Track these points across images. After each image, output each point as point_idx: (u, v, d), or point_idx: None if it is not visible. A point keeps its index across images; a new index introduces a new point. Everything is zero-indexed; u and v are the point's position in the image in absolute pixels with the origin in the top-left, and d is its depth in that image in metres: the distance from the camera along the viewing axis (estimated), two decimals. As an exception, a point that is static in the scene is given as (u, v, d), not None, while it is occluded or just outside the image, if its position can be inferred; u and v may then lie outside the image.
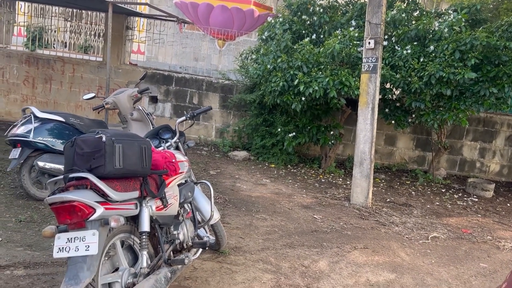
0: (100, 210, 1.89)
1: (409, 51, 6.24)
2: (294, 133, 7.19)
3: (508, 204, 6.70)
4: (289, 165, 7.52)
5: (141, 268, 2.23)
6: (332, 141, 7.26)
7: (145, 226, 2.25)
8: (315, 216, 4.96)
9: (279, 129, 7.29)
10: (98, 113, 5.17)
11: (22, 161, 4.19)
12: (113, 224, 1.94)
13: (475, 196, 6.87)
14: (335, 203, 5.60)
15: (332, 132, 7.27)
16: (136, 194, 2.18)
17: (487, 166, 8.50)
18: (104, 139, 1.97)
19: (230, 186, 5.81)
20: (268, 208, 5.03)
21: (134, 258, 2.37)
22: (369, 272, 3.62)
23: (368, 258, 3.91)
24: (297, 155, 7.81)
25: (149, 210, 2.29)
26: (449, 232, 4.94)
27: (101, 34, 10.21)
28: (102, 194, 1.96)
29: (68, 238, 1.87)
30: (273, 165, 7.36)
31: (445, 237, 4.77)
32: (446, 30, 6.18)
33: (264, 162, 7.52)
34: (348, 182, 6.58)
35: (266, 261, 3.58)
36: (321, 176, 7.07)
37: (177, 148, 3.15)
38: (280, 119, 7.44)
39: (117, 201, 2.04)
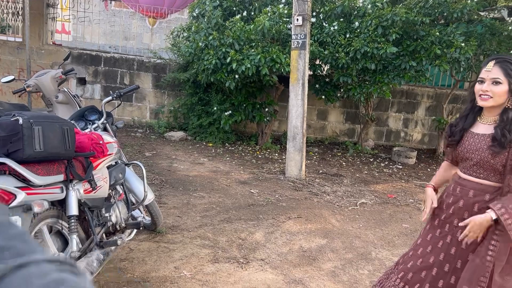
0: (21, 196, 1.83)
1: (336, 28, 6.46)
2: (230, 111, 7.24)
3: (429, 169, 7.29)
4: (226, 143, 7.58)
5: (71, 252, 2.19)
6: (268, 118, 7.41)
7: (73, 209, 2.21)
8: (252, 190, 5.09)
9: (215, 108, 7.30)
10: (20, 96, 4.84)
11: None
12: (36, 209, 1.89)
13: (399, 164, 7.39)
14: (271, 177, 5.77)
15: (267, 109, 7.41)
16: (61, 177, 2.12)
17: (410, 135, 9.14)
18: (21, 121, 1.89)
19: (167, 166, 5.77)
20: (206, 186, 5.08)
21: (65, 243, 2.32)
22: (302, 239, 3.82)
23: (302, 226, 4.12)
24: (234, 133, 7.89)
25: (76, 193, 2.24)
26: (376, 198, 5.30)
27: (20, 12, 9.46)
28: (23, 179, 1.89)
29: (-13, 227, 1.80)
30: (210, 144, 7.39)
31: (372, 202, 5.12)
32: (369, 6, 6.47)
33: (202, 141, 7.52)
34: (284, 157, 6.78)
35: (203, 237, 3.64)
36: (258, 153, 7.21)
37: (105, 129, 3.07)
38: (216, 97, 7.44)
39: (40, 186, 1.98)
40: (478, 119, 2.02)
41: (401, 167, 7.22)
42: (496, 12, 7.29)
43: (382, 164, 7.27)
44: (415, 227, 4.44)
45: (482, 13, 7.14)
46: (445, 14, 6.43)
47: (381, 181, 6.23)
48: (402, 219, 4.65)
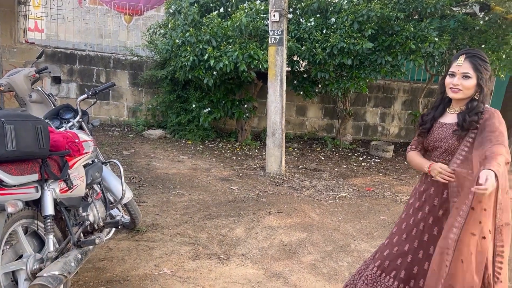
0: (-7, 196, 1.79)
1: (312, 24, 6.50)
2: (209, 108, 7.21)
3: (405, 163, 7.42)
4: (206, 141, 7.55)
5: (48, 252, 2.15)
6: (247, 115, 7.41)
7: (49, 209, 2.17)
8: (232, 187, 5.10)
9: (193, 105, 7.26)
10: (-9, 96, 4.73)
11: None
12: (10, 209, 1.85)
13: (377, 158, 7.51)
14: (251, 173, 5.79)
15: (246, 106, 7.41)
16: (35, 177, 2.08)
17: (388, 130, 9.30)
18: (-9, 120, 1.84)
19: (146, 165, 5.72)
20: (186, 184, 5.06)
21: (41, 244, 2.28)
22: (282, 233, 3.85)
23: (282, 221, 4.15)
24: (214, 130, 7.87)
25: (52, 193, 2.21)
26: (355, 191, 5.38)
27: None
28: (-4, 179, 1.85)
29: (-41, 228, 1.75)
30: (190, 142, 7.35)
31: (351, 196, 5.20)
32: (345, 2, 6.54)
33: (181, 139, 7.48)
34: (264, 153, 6.81)
35: (184, 234, 3.63)
36: (238, 149, 7.22)
37: (80, 128, 3.02)
38: (194, 94, 7.40)
39: (14, 186, 1.94)
40: (447, 110, 2.11)
41: (378, 160, 7.34)
42: (468, 7, 7.46)
43: (360, 158, 7.38)
44: (393, 218, 4.53)
45: (454, 9, 7.30)
46: (419, 9, 6.55)
47: (360, 174, 6.32)
48: (380, 212, 4.73)
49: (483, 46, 6.71)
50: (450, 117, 2.09)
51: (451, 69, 2.02)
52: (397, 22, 6.48)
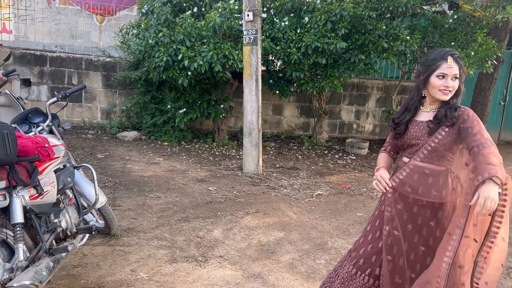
0: (-43, 205, 1.72)
1: (286, 23, 6.53)
2: (185, 109, 7.14)
3: (380, 159, 7.55)
4: (182, 142, 7.48)
5: (18, 262, 2.09)
6: (223, 115, 7.38)
7: (18, 217, 2.11)
8: (209, 188, 5.07)
9: (169, 106, 7.17)
10: (-44, 101, 4.55)
11: None
12: (-24, 218, 1.79)
13: (353, 155, 7.61)
14: (229, 174, 5.77)
15: (222, 106, 7.37)
16: (3, 184, 2.02)
17: (363, 127, 9.43)
18: (-46, 127, 1.78)
19: (121, 168, 5.63)
20: (162, 186, 5.00)
21: (11, 253, 2.21)
22: (260, 233, 3.85)
23: (260, 221, 4.15)
24: (190, 131, 7.80)
25: (21, 200, 2.15)
26: (331, 189, 5.44)
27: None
28: (-41, 188, 1.78)
29: None
30: (166, 143, 7.27)
31: (328, 193, 5.25)
32: (318, 1, 6.58)
33: (157, 140, 7.38)
34: (241, 153, 6.80)
35: (160, 237, 3.59)
36: (215, 150, 7.18)
37: (51, 132, 2.94)
38: (169, 95, 7.32)
39: (-21, 194, 1.87)
40: (421, 108, 2.15)
41: (354, 158, 7.43)
42: (437, 6, 7.64)
43: (336, 156, 7.45)
44: (369, 215, 4.58)
45: (425, 7, 7.47)
46: (390, 8, 6.66)
47: (336, 172, 6.39)
48: (356, 208, 4.80)
49: (453, 43, 6.88)
50: (425, 115, 2.13)
51: (441, 71, 2.02)
52: (369, 21, 6.57)
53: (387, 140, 2.37)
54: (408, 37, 6.36)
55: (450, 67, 2.01)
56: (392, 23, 6.54)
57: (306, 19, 6.53)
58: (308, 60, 6.52)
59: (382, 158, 2.32)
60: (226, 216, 4.21)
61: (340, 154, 7.61)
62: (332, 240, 3.83)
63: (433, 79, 2.04)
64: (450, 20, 7.03)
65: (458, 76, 2.02)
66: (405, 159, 2.16)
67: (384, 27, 6.42)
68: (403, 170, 2.10)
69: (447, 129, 2.00)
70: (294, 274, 3.14)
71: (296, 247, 3.62)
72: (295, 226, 4.09)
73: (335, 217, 4.47)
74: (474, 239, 1.79)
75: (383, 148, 2.36)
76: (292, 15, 6.71)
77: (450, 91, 2.03)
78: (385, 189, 2.14)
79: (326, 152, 7.70)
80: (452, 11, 7.34)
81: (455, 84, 2.03)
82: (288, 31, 6.52)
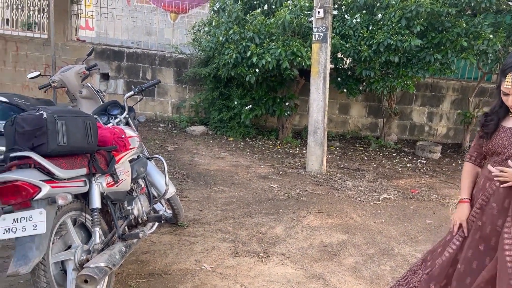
0: (45, 189, 1.86)
1: (358, 20, 6.35)
2: (250, 106, 7.23)
3: (454, 164, 7.12)
4: (247, 138, 7.58)
5: (94, 244, 2.23)
6: (288, 112, 7.37)
7: (96, 203, 2.25)
8: (272, 185, 5.08)
9: (235, 102, 7.30)
10: (45, 92, 4.95)
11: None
12: (60, 202, 1.93)
13: (423, 158, 7.24)
14: (292, 172, 5.75)
15: (287, 103, 7.37)
16: (84, 171, 2.15)
17: (435, 130, 8.94)
18: (45, 116, 1.92)
19: (188, 161, 5.82)
20: (227, 180, 5.10)
21: (88, 236, 2.36)
22: (323, 234, 3.79)
23: (322, 221, 4.09)
24: (254, 128, 7.88)
25: (99, 186, 2.28)
26: (399, 193, 5.21)
27: (45, 9, 9.65)
28: (47, 173, 1.92)
29: (14, 219, 1.84)
30: (231, 139, 7.40)
31: (395, 197, 5.04)
32: (393, -2, 6.32)
33: (222, 136, 7.55)
34: (304, 151, 6.74)
35: (224, 230, 3.66)
36: (278, 147, 7.19)
37: (127, 123, 3.11)
38: (236, 92, 7.45)
39: (64, 179, 2.01)
40: (510, 113, 1.95)
41: (425, 162, 7.07)
42: (526, 1, 7.02)
43: (405, 159, 7.14)
44: (439, 223, 4.35)
45: (511, 3, 6.88)
46: (472, 4, 6.22)
47: (404, 176, 6.12)
48: (425, 215, 4.56)
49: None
50: None
51: (502, 88, 1.85)
52: (448, 18, 6.20)
53: (472, 145, 2.17)
54: (491, 36, 5.91)
55: (508, 87, 1.81)
56: (473, 20, 6.12)
57: (379, 15, 6.30)
58: (379, 58, 6.30)
59: (468, 176, 2.11)
60: (288, 214, 4.20)
61: (410, 157, 7.27)
62: (399, 247, 3.67)
63: (501, 92, 1.88)
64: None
65: None
66: (490, 168, 1.97)
67: (464, 24, 6.03)
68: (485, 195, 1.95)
69: None
70: (357, 278, 3.05)
71: (360, 251, 3.52)
72: (359, 229, 3.98)
73: (403, 222, 4.27)
74: None
75: (468, 156, 2.16)
76: (364, 12, 6.51)
77: None
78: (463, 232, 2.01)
79: (394, 154, 7.40)
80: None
81: None
82: (359, 28, 6.34)
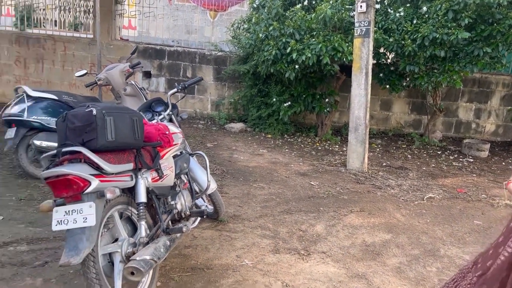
0: (95, 183, 1.93)
1: (402, 14, 6.16)
2: (289, 102, 7.19)
3: (503, 163, 6.78)
4: (285, 135, 7.54)
5: (140, 237, 2.28)
6: (328, 109, 7.26)
7: (142, 197, 2.30)
8: (312, 182, 5.03)
9: (274, 99, 7.28)
10: (91, 89, 5.14)
11: (18, 141, 4.20)
12: (109, 195, 1.98)
13: (470, 157, 6.94)
14: (332, 169, 5.66)
15: (327, 100, 7.26)
16: (130, 166, 2.21)
17: (483, 127, 8.54)
18: (94, 112, 1.98)
19: (228, 157, 5.86)
20: (266, 177, 5.09)
21: (133, 229, 2.42)
22: (365, 233, 3.71)
23: (364, 220, 4.00)
24: (293, 125, 7.84)
25: (145, 181, 2.33)
26: (444, 193, 5.02)
27: (91, 10, 10.01)
28: (97, 167, 1.99)
29: (65, 211, 1.91)
30: (269, 135, 7.39)
31: (440, 197, 4.85)
32: (439, -10, 6.08)
33: (261, 132, 7.55)
34: (344, 149, 6.63)
35: (264, 227, 3.66)
36: (317, 144, 7.11)
37: (170, 120, 3.16)
38: (275, 88, 7.42)
39: (112, 174, 2.07)
40: None
41: (472, 160, 6.78)
42: None
43: (451, 157, 6.87)
44: (489, 224, 4.15)
45: None
46: (525, -6, 5.89)
47: (450, 175, 5.88)
48: (473, 216, 4.36)
49: None
50: None
51: None
52: (498, 9, 5.88)
53: None
54: (546, 27, 5.57)
55: None
56: (527, 11, 5.78)
57: (424, 8, 6.09)
58: (424, 53, 6.08)
59: None
60: (329, 212, 4.14)
61: (456, 156, 6.99)
62: (445, 248, 3.54)
63: None
64: None
65: None
66: None
67: (516, 15, 5.70)
68: None
69: None
70: (401, 279, 2.97)
71: (404, 251, 3.41)
72: (403, 229, 3.86)
73: (449, 223, 4.11)
74: None
75: None
76: (408, 5, 6.31)
77: None
78: None
79: (439, 152, 7.14)
80: None
81: None
82: (403, 22, 6.15)
